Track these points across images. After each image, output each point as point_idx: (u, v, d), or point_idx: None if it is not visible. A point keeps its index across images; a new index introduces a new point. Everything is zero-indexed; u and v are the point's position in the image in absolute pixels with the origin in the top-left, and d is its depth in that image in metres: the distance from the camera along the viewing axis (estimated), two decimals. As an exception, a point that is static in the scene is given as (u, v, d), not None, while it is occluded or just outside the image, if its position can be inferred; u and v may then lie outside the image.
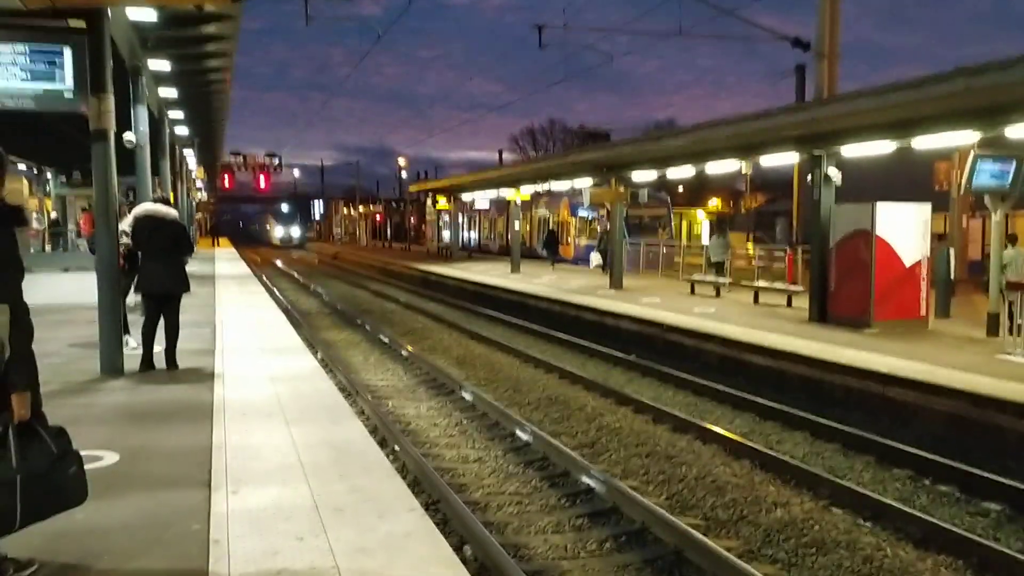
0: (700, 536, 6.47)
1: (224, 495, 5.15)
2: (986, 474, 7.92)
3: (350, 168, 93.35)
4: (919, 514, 7.01)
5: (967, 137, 13.45)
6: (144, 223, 9.39)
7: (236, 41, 17.21)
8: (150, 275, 9.41)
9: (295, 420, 7.16)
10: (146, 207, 9.72)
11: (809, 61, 16.73)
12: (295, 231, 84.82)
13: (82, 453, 3.97)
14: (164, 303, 9.50)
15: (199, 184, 51.81)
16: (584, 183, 25.50)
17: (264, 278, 31.04)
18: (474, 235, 52.82)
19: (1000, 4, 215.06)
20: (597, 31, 16.23)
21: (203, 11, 14.30)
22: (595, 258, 33.04)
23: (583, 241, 35.32)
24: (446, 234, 49.41)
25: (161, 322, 9.50)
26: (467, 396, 11.74)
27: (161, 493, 5.25)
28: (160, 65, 16.90)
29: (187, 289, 9.69)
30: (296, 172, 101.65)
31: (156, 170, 20.39)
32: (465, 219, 52.28)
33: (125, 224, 9.76)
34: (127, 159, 14.95)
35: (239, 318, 14.67)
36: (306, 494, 5.19)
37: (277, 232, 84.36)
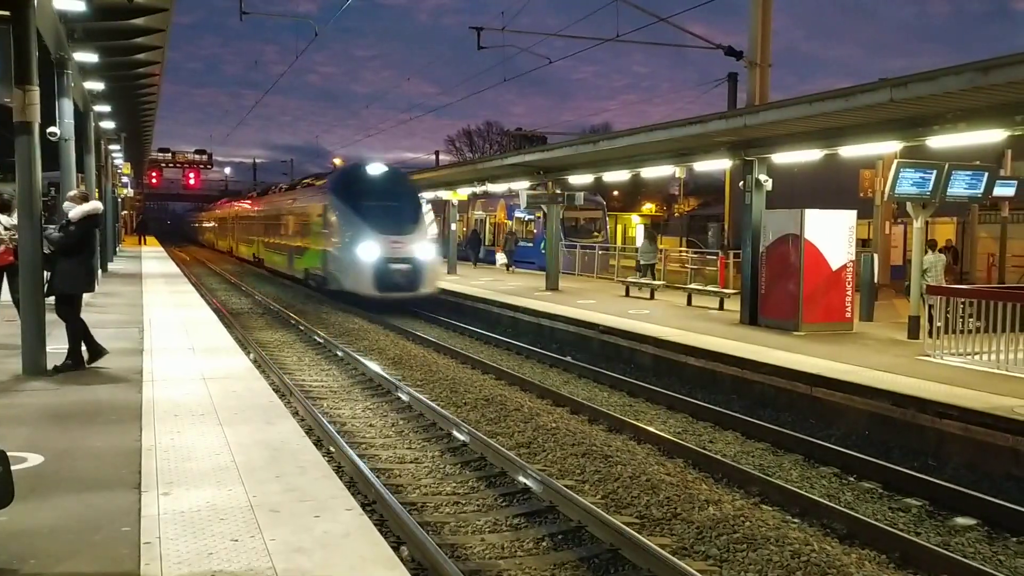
0: (635, 534, 6.57)
1: (155, 497, 5.03)
2: (907, 471, 8.23)
3: (283, 167, 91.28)
4: (844, 510, 7.23)
5: (891, 146, 13.94)
6: (96, 221, 9.34)
7: (167, 34, 16.81)
8: (90, 272, 9.37)
9: (228, 420, 7.03)
10: (98, 205, 9.54)
11: (741, 69, 17.13)
12: (422, 248, 22.76)
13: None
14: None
15: (125, 180, 50.32)
16: (521, 185, 25.61)
17: (193, 277, 30.35)
18: None
19: (921, 17, 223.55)
20: (534, 35, 16.40)
21: (133, 2, 13.94)
22: (500, 258, 33.47)
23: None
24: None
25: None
26: (403, 397, 11.68)
27: (89, 495, 5.10)
28: (87, 57, 16.39)
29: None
30: (228, 170, 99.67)
31: (80, 165, 19.75)
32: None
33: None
34: (50, 153, 14.45)
35: (168, 317, 14.32)
36: (241, 495, 5.10)
37: (369, 250, 22.07)
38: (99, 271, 21.47)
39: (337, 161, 76.38)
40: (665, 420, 10.75)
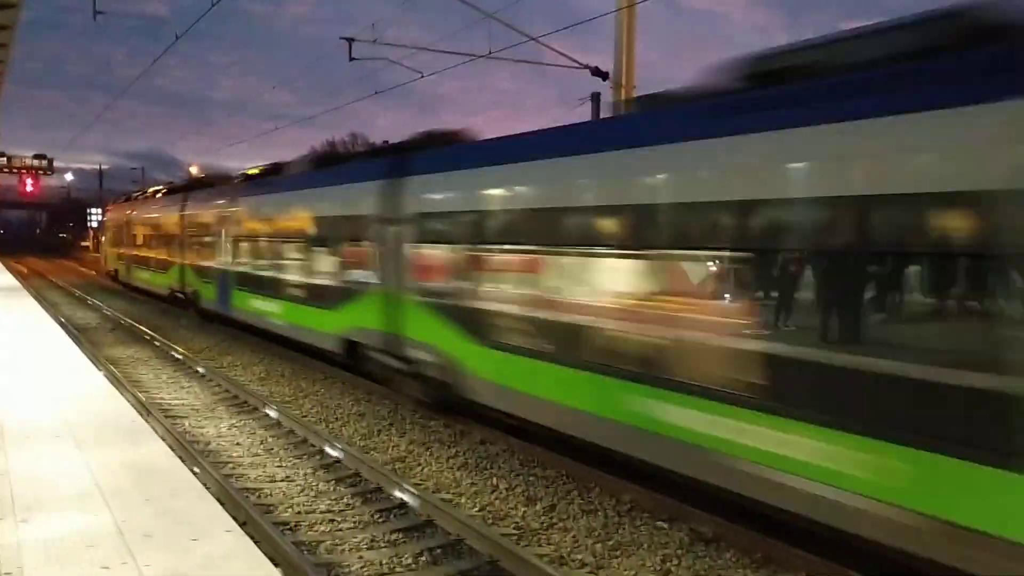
0: (513, 545, 6.66)
1: (12, 524, 4.69)
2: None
3: (132, 175, 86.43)
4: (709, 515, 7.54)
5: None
6: None
7: (14, 32, 15.72)
8: None
9: (88, 442, 6.63)
10: None
11: (604, 88, 17.68)
12: None
13: None
14: None
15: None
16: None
17: (33, 290, 28.40)
18: None
19: (765, 46, 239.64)
20: (407, 48, 16.37)
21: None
22: None
23: None
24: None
25: None
26: (272, 413, 11.34)
27: (-65, 526, 4.69)
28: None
29: None
30: (69, 176, 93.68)
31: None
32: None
33: None
34: None
35: (8, 334, 13.34)
36: (108, 520, 4.83)
37: None
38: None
39: (193, 170, 72.99)
40: (541, 430, 10.91)
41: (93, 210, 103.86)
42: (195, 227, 21.22)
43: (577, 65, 15.42)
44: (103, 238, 35.60)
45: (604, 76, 15.46)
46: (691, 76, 7.69)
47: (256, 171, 18.61)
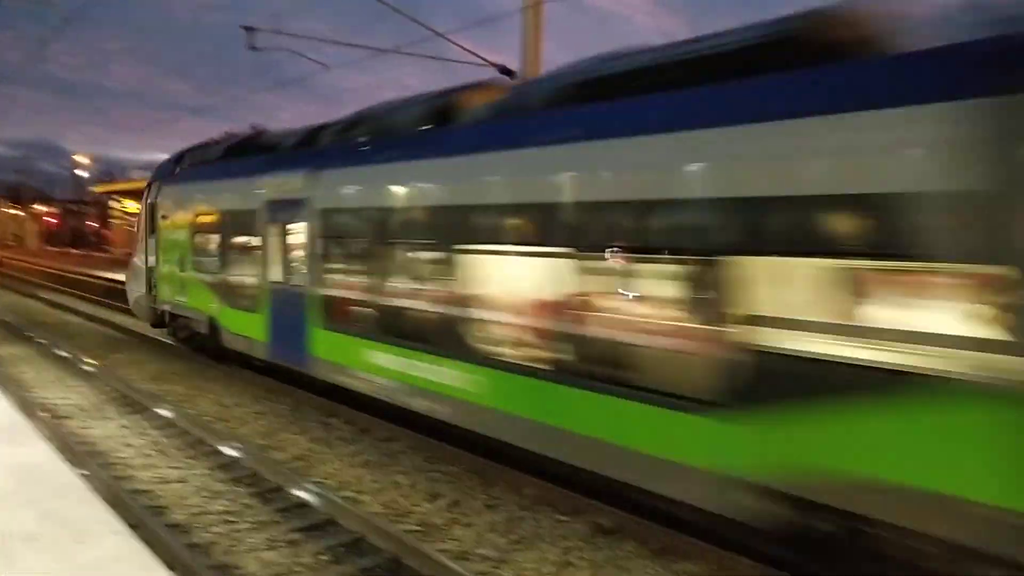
0: (416, 542, 6.63)
1: None
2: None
3: (14, 163, 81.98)
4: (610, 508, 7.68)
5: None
6: None
7: None
8: None
9: (-37, 443, 6.27)
10: None
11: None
12: None
13: None
14: None
15: None
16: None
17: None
18: None
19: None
20: (310, 39, 16.00)
21: None
22: None
23: None
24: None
25: None
26: (165, 413, 10.94)
27: None
28: None
29: None
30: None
31: None
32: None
33: None
34: None
35: None
36: (-15, 524, 4.57)
37: None
38: None
39: (82, 159, 69.86)
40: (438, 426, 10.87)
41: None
42: None
43: (484, 62, 15.43)
44: (143, 244, 17.07)
45: (511, 74, 15.51)
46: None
47: None
